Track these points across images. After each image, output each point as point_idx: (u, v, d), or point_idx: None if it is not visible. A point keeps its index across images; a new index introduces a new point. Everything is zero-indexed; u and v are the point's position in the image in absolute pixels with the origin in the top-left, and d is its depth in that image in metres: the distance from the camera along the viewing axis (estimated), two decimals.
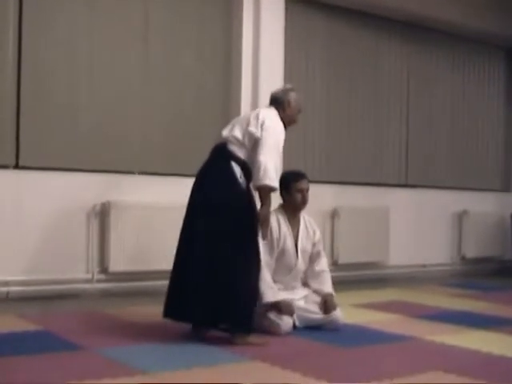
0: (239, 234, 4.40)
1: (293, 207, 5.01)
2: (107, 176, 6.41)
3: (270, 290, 4.73)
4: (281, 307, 4.70)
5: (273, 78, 7.19)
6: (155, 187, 6.58)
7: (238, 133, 4.52)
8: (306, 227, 5.10)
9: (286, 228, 4.97)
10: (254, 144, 4.45)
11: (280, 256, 4.93)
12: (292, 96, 4.80)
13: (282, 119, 4.66)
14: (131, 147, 6.62)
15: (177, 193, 6.48)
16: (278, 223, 4.94)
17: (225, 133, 4.62)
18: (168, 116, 6.85)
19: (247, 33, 7.11)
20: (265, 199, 4.40)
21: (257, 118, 4.54)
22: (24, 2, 6.06)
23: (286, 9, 7.39)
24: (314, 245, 5.11)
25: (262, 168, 4.33)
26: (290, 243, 4.96)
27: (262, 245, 4.73)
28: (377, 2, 8.08)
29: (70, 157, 6.29)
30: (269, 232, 4.77)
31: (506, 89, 10.02)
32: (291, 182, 4.97)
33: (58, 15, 6.24)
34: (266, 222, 4.44)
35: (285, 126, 4.67)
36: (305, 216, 5.14)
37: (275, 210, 5.00)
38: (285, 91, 4.84)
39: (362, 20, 8.34)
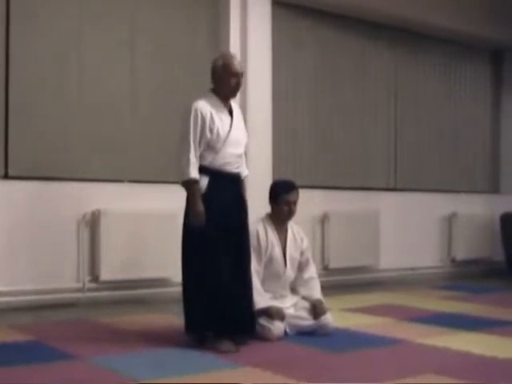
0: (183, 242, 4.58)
1: (279, 218, 5.00)
2: (97, 184, 6.41)
3: (260, 297, 4.74)
4: (271, 313, 4.71)
5: (260, 86, 7.23)
6: (145, 195, 6.58)
7: None
8: (294, 235, 5.10)
9: (273, 236, 4.97)
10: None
11: (268, 264, 4.93)
12: (216, 65, 4.63)
13: (219, 93, 4.61)
14: (121, 156, 6.62)
15: (166, 200, 6.51)
16: (265, 232, 4.94)
17: None
18: (157, 124, 6.86)
19: (234, 41, 7.12)
20: (187, 193, 4.46)
21: None
22: (11, 10, 6.06)
23: (273, 15, 7.41)
24: (302, 253, 5.11)
25: (176, 165, 4.50)
26: (277, 251, 4.97)
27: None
28: (364, 7, 8.12)
29: (60, 166, 6.28)
30: (255, 239, 4.83)
31: (492, 91, 10.08)
32: (280, 194, 4.97)
33: (46, 25, 6.24)
34: (192, 211, 4.41)
35: (227, 96, 4.62)
36: (292, 225, 5.14)
37: (262, 219, 5.02)
38: (212, 64, 4.67)
39: (350, 25, 8.38)
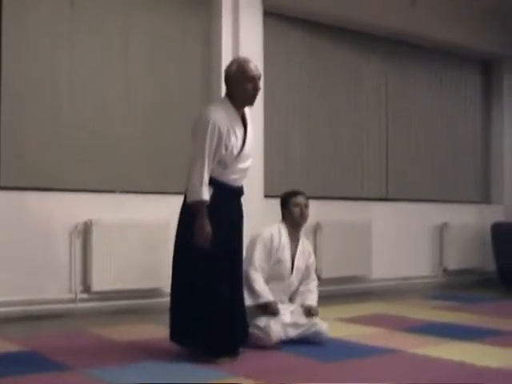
0: (180, 255, 4.47)
1: (292, 223, 5.09)
2: (89, 195, 6.40)
3: (264, 288, 4.84)
4: (267, 307, 4.78)
5: None
6: (137, 205, 6.58)
7: None
8: (304, 248, 5.19)
9: (286, 241, 5.04)
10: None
11: (275, 265, 4.98)
12: (229, 70, 4.45)
13: (235, 100, 4.41)
14: (113, 166, 6.62)
15: (158, 211, 6.52)
16: (279, 234, 5.02)
17: None
18: (149, 134, 6.86)
19: (226, 51, 7.13)
20: (196, 213, 4.27)
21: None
22: (4, 16, 6.07)
23: (265, 25, 7.44)
24: (306, 267, 5.19)
25: (187, 181, 4.32)
26: (287, 255, 5.04)
27: (259, 252, 4.85)
28: (355, 18, 8.17)
29: (51, 176, 6.28)
30: (269, 240, 4.94)
31: (482, 101, 10.14)
32: (288, 198, 5.13)
33: (38, 31, 6.25)
34: (199, 232, 4.26)
35: (242, 103, 4.45)
36: (304, 239, 5.25)
37: (278, 223, 5.11)
38: (225, 69, 4.50)
39: (341, 35, 8.42)
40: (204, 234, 4.27)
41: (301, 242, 5.19)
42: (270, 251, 4.96)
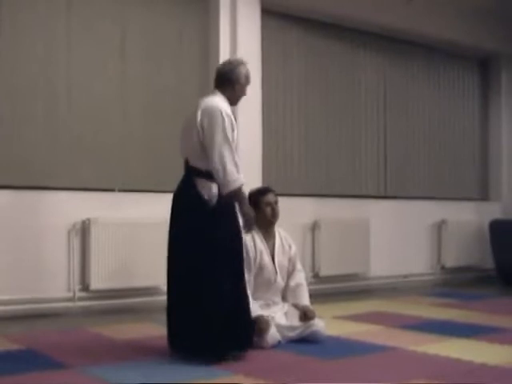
0: (210, 262, 4.32)
1: (264, 222, 5.00)
2: (87, 193, 6.40)
3: (255, 305, 4.71)
4: (259, 324, 4.63)
5: (250, 93, 7.19)
6: (135, 204, 6.58)
7: (190, 143, 4.43)
8: (282, 242, 5.12)
9: (261, 244, 4.97)
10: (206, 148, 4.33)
11: (259, 272, 4.93)
12: (241, 71, 4.58)
13: (230, 97, 4.53)
14: (111, 164, 6.62)
15: (157, 209, 6.49)
16: (253, 240, 4.94)
17: (181, 145, 4.58)
18: (147, 133, 6.86)
19: (224, 48, 7.14)
20: (239, 199, 4.33)
21: (196, 119, 4.37)
22: (1, 18, 6.06)
23: (263, 23, 7.44)
24: (289, 260, 5.12)
25: (221, 173, 4.25)
26: (267, 259, 4.98)
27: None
28: (352, 16, 8.16)
29: (49, 175, 6.27)
30: (244, 248, 4.76)
31: (480, 99, 10.14)
32: (258, 197, 4.99)
33: (34, 31, 6.24)
34: (249, 218, 4.35)
35: (234, 103, 4.62)
36: (280, 231, 5.16)
37: None
38: (233, 68, 4.58)
39: (338, 33, 8.42)
40: (252, 219, 4.37)
41: (277, 237, 5.09)
42: (248, 261, 4.83)
